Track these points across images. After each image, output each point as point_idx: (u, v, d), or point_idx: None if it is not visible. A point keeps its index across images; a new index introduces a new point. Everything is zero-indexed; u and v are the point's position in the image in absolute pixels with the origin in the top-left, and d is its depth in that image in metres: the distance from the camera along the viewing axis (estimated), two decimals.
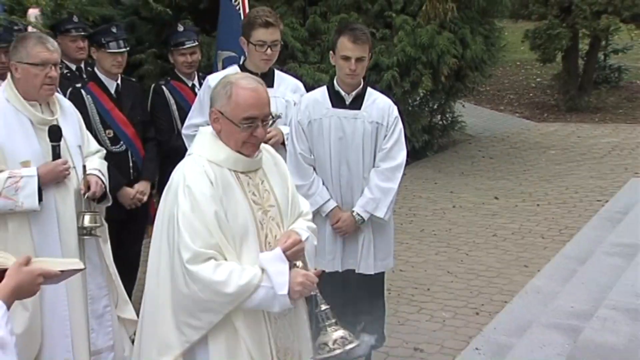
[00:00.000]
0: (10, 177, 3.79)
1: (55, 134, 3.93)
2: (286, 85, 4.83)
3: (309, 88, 4.95)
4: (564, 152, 11.21)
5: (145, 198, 5.20)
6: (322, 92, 4.39)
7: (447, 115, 11.58)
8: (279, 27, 4.69)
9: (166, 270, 2.95)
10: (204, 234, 2.85)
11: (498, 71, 16.09)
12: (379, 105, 4.31)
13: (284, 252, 2.92)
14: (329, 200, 4.31)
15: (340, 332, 2.90)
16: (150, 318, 3.07)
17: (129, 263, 5.27)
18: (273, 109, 4.78)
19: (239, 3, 5.52)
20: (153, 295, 3.04)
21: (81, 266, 2.78)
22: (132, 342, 4.47)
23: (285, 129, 4.67)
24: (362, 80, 4.35)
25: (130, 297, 5.36)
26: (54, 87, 3.96)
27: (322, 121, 4.31)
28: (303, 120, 4.33)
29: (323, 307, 2.97)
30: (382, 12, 9.75)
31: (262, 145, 3.12)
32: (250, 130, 2.94)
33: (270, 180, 3.09)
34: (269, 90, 3.28)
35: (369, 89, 4.38)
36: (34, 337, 3.89)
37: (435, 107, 11.22)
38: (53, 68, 3.87)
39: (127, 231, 5.19)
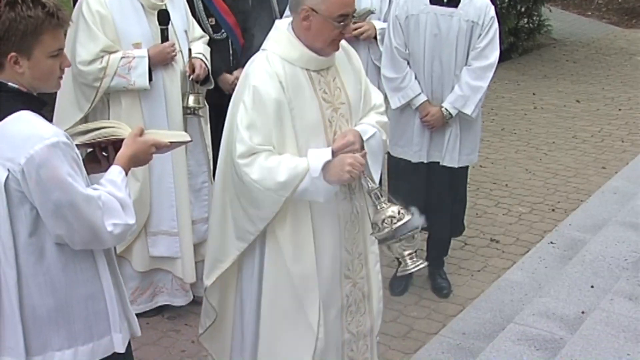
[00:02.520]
0: (123, 57, 3.85)
1: (164, 17, 3.95)
2: None
3: None
4: None
5: None
6: None
7: (534, 19, 11.13)
8: None
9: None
10: (264, 132, 2.78)
11: None
12: (476, 4, 4.15)
13: (333, 152, 2.84)
14: (419, 94, 4.24)
15: (389, 211, 2.81)
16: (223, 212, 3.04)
17: None
18: (368, 4, 4.70)
19: None
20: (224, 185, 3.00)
21: (188, 138, 2.83)
22: None
23: (378, 24, 4.58)
24: None
25: None
26: None
27: (419, 17, 4.18)
28: (401, 15, 4.21)
29: (371, 185, 2.88)
30: None
31: None
32: (341, 28, 2.81)
33: (342, 77, 2.98)
34: None
35: None
36: (144, 206, 4.04)
37: (522, 10, 10.79)
38: None
39: (224, 116, 5.21)
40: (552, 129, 7.74)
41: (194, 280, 4.23)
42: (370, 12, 4.62)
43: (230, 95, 5.03)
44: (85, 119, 3.97)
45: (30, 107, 2.31)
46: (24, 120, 2.27)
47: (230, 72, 5.12)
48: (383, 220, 2.80)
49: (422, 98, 4.24)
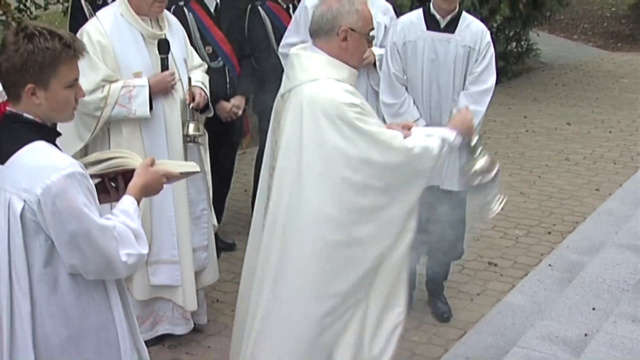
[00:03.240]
0: (124, 87, 3.88)
1: (164, 47, 3.99)
2: (377, 7, 4.75)
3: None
4: (637, 81, 10.84)
5: (240, 112, 5.26)
6: (417, 15, 4.33)
7: (523, 43, 11.29)
8: None
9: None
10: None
11: (572, 0, 15.52)
12: (472, 29, 4.23)
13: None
14: (418, 119, 4.29)
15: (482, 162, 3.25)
16: None
17: (224, 171, 5.40)
18: None
19: None
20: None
21: (197, 169, 2.87)
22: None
23: (376, 51, 4.64)
24: (457, 5, 4.27)
25: (224, 202, 5.57)
26: (163, 5, 4.00)
27: (417, 43, 4.26)
28: (398, 42, 4.29)
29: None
30: None
31: None
32: (369, 43, 3.08)
33: None
34: None
35: (464, 14, 4.29)
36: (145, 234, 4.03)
37: (511, 34, 10.94)
38: None
39: (223, 142, 5.28)
40: (544, 152, 7.83)
41: (195, 308, 4.24)
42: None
43: (227, 123, 5.21)
44: (85, 149, 4.00)
45: (45, 138, 2.34)
46: (40, 151, 2.30)
47: (228, 100, 5.19)
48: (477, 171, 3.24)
49: (421, 123, 4.30)
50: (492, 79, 4.24)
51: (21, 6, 7.78)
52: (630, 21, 14.47)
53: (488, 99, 4.25)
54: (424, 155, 3.09)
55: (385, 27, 4.73)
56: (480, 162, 3.21)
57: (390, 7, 4.86)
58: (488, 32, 4.27)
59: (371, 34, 3.12)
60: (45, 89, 2.33)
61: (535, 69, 11.66)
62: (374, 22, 4.61)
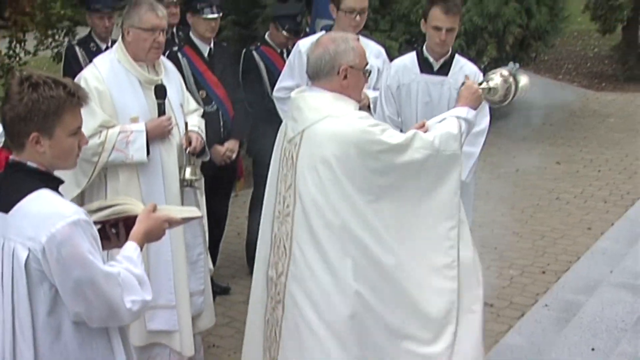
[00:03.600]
0: (121, 132, 3.89)
1: (160, 92, 4.01)
2: (370, 51, 4.76)
3: None
4: (622, 121, 10.96)
5: (234, 156, 5.27)
6: (411, 58, 4.38)
7: None
8: None
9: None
10: None
11: (556, 41, 15.74)
12: (465, 72, 4.28)
13: None
14: None
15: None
16: None
17: (218, 215, 5.39)
18: None
19: None
20: None
21: (199, 214, 2.87)
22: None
23: (370, 93, 4.68)
24: (450, 48, 4.33)
25: (218, 246, 5.55)
26: (160, 51, 4.04)
27: (411, 86, 4.31)
28: (392, 85, 4.34)
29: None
30: None
31: None
32: (366, 77, 3.22)
33: None
34: None
35: (457, 56, 4.36)
36: None
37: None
38: (161, 33, 3.95)
39: (217, 186, 5.28)
40: (535, 191, 7.87)
41: (193, 354, 4.19)
42: None
43: (221, 167, 5.21)
44: (82, 195, 3.99)
45: (48, 186, 2.34)
46: (44, 199, 2.29)
47: (221, 144, 5.20)
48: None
49: None
50: (485, 120, 4.29)
51: (10, 52, 7.80)
52: (613, 61, 14.65)
53: (482, 139, 4.29)
54: (446, 140, 3.21)
55: (379, 70, 4.77)
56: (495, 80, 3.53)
57: (382, 50, 4.92)
58: (480, 74, 4.33)
59: (367, 67, 3.23)
60: (50, 137, 2.33)
61: (522, 109, 11.72)
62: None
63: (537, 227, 6.88)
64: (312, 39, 4.84)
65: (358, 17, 4.56)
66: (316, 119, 3.13)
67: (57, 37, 8.14)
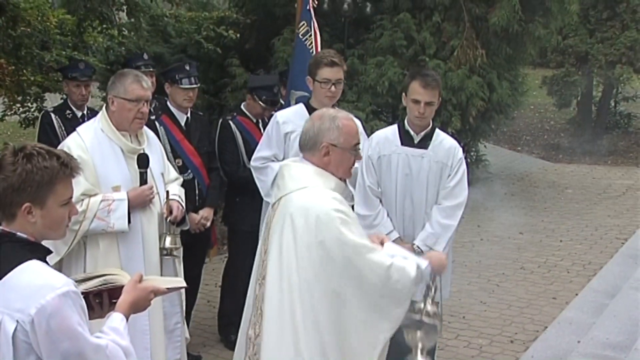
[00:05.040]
0: (103, 200, 3.87)
1: (143, 161, 4.01)
2: None
3: None
4: (581, 192, 11.21)
5: (208, 224, 5.26)
6: (392, 130, 4.46)
7: (472, 154, 11.62)
8: (343, 68, 4.78)
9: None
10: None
11: (515, 114, 16.13)
12: (445, 146, 4.37)
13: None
14: (392, 231, 4.35)
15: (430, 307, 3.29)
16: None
17: (191, 283, 5.29)
18: None
19: (312, 46, 5.60)
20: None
21: (183, 284, 2.86)
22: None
23: None
24: (431, 122, 4.41)
25: (189, 314, 5.45)
26: (143, 121, 4.07)
27: (391, 157, 4.37)
28: (373, 155, 4.39)
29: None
30: (416, 56, 9.82)
31: None
32: (355, 155, 3.20)
33: None
34: None
35: (437, 130, 4.45)
36: None
37: (462, 146, 11.25)
38: (145, 104, 3.98)
39: (190, 254, 5.21)
40: (500, 260, 7.94)
41: None
42: None
43: (197, 235, 5.17)
44: (60, 262, 3.92)
45: (37, 256, 2.30)
46: (33, 271, 2.26)
47: (196, 212, 5.18)
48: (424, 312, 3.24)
49: (394, 235, 4.35)
50: (464, 193, 4.35)
51: None
52: (568, 134, 15.06)
53: (460, 212, 4.35)
54: (401, 277, 3.13)
55: None
56: (430, 306, 3.30)
57: (359, 122, 4.96)
58: (460, 149, 4.42)
59: (356, 146, 3.24)
60: (42, 208, 2.31)
61: (484, 179, 11.95)
62: None
63: (504, 296, 6.92)
64: (289, 110, 4.91)
65: (333, 88, 4.64)
66: (293, 188, 3.19)
67: (25, 103, 8.09)
